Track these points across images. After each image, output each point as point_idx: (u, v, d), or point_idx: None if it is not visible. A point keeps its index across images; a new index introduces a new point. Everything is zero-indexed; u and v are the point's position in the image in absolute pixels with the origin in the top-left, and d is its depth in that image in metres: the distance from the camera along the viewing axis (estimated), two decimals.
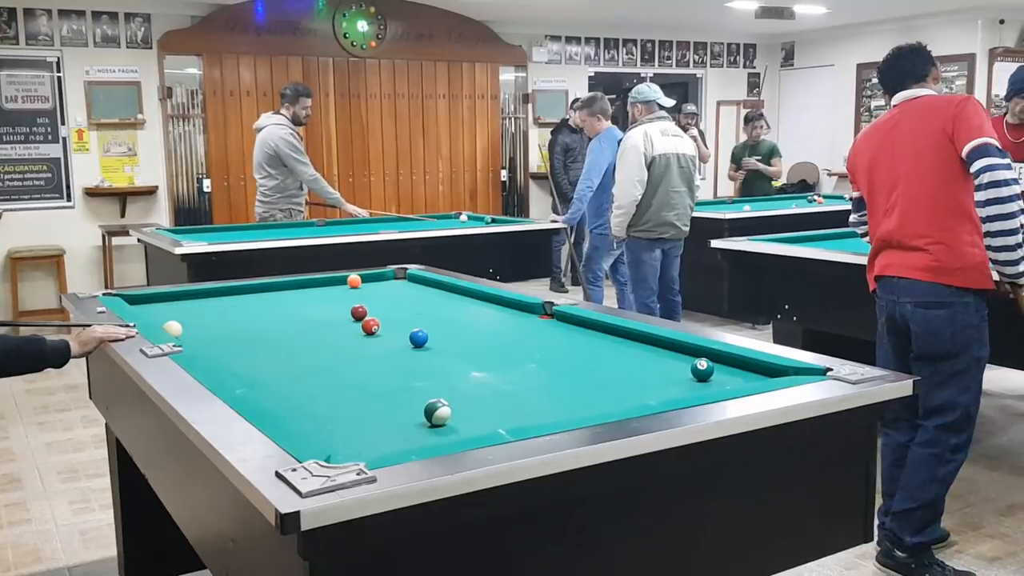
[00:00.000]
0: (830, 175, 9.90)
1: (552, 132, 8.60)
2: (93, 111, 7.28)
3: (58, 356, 2.15)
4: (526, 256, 5.53)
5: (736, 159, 8.08)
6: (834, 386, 1.78)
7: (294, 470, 1.32)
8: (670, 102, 5.22)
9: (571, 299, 2.81)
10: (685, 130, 7.92)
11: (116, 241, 7.28)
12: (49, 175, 7.28)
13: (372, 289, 3.29)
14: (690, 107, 8.89)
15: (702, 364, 1.93)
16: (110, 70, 7.32)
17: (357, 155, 8.23)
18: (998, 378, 5.10)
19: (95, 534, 3.38)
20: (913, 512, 2.90)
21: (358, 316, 2.57)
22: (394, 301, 3.10)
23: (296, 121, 5.80)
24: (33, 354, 2.10)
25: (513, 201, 9.17)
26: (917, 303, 2.87)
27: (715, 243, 4.52)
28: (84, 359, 2.47)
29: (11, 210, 7.10)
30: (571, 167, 8.32)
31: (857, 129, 9.68)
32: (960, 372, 2.87)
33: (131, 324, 2.35)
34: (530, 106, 9.15)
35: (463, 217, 6.01)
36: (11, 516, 3.56)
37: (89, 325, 2.34)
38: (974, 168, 2.78)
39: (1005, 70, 8.75)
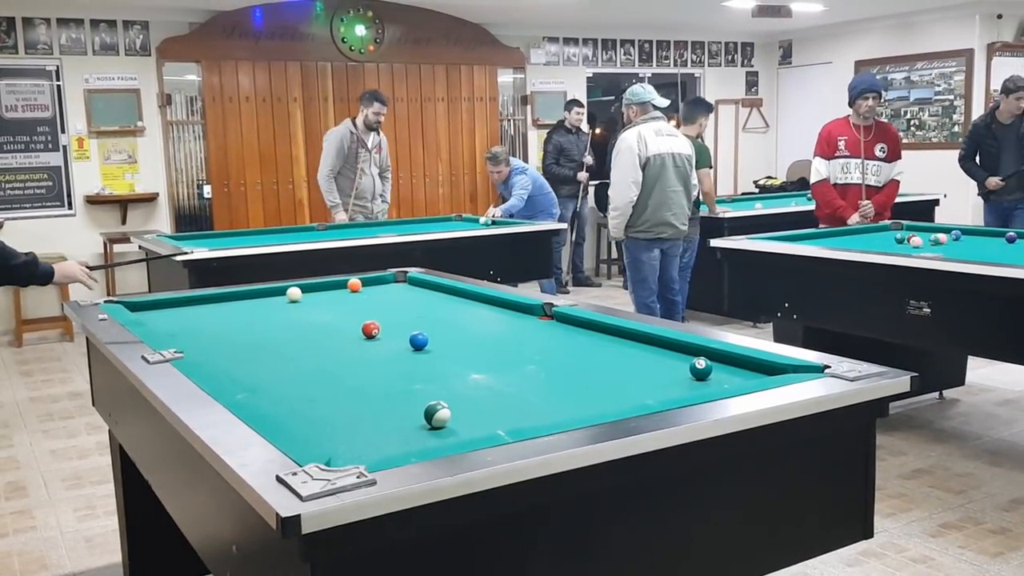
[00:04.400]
0: None
1: (548, 132, 8.64)
2: (93, 119, 7.30)
3: (45, 276, 2.62)
4: (526, 257, 5.54)
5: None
6: (832, 383, 1.79)
7: (295, 474, 1.33)
8: (665, 102, 5.23)
9: (571, 300, 2.82)
10: None
11: (118, 248, 7.30)
12: (50, 183, 7.30)
13: (372, 293, 3.30)
14: None
15: (700, 363, 1.94)
16: (109, 78, 7.35)
17: None
18: (999, 373, 5.10)
19: (100, 540, 3.39)
20: None
21: (368, 333, 2.51)
22: (394, 304, 3.11)
23: (367, 125, 6.28)
24: (31, 269, 2.58)
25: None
26: None
27: (715, 242, 4.53)
28: (88, 366, 2.73)
29: (12, 219, 7.12)
30: (565, 166, 8.35)
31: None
32: None
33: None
34: (529, 108, 9.16)
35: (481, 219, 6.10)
36: (16, 524, 3.58)
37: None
38: None
39: (1004, 65, 8.77)
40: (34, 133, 7.21)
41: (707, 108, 6.35)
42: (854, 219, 5.03)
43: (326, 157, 6.27)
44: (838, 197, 5.09)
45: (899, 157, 5.20)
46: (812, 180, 5.22)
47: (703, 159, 5.93)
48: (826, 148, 5.16)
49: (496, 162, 7.35)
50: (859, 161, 5.08)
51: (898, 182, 5.22)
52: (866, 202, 5.04)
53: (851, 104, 5.14)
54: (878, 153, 5.10)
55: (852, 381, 1.79)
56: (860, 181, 5.10)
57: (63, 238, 7.26)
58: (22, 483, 4.03)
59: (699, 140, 6.22)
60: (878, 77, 9.43)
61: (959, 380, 4.83)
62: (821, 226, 5.09)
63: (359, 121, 6.32)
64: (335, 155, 6.22)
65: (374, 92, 6.42)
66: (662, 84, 8.09)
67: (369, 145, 6.34)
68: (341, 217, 6.24)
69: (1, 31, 6.98)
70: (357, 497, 1.26)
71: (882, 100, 5.37)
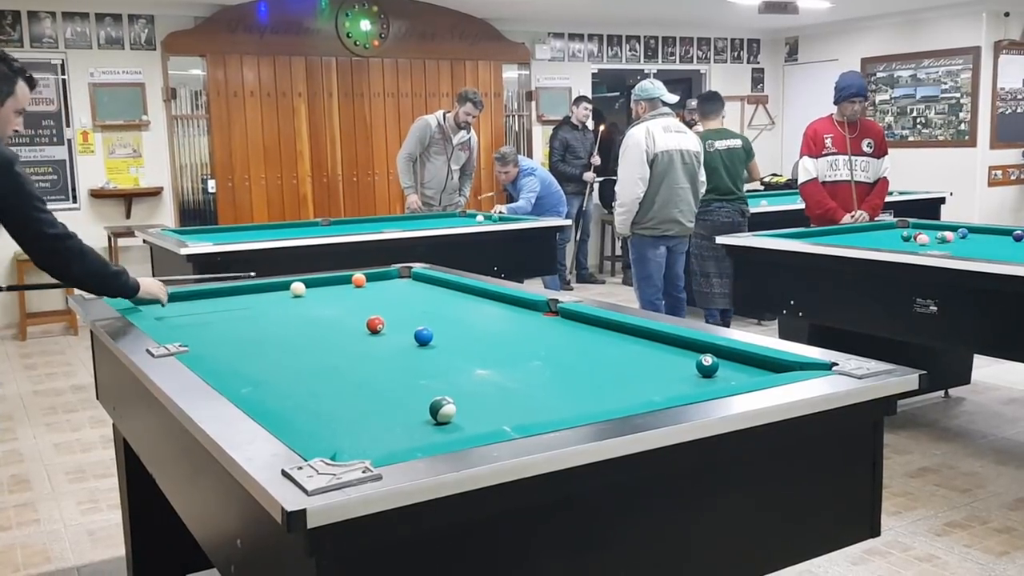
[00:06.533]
0: None
1: (554, 129, 8.62)
2: (98, 113, 7.31)
3: (130, 289, 2.63)
4: (530, 254, 5.53)
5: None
6: (840, 381, 1.78)
7: (300, 468, 1.32)
8: (674, 98, 5.21)
9: (576, 296, 2.81)
10: (690, 126, 7.92)
11: (122, 242, 7.30)
12: (55, 177, 7.31)
13: (377, 288, 3.30)
14: (694, 103, 8.85)
15: (707, 360, 1.93)
16: (114, 72, 7.35)
17: (361, 155, 8.24)
18: (1006, 371, 5.09)
19: (103, 534, 3.39)
20: None
21: (373, 328, 2.50)
22: (399, 300, 3.11)
23: (457, 123, 6.36)
24: (119, 280, 2.61)
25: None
26: None
27: (721, 239, 4.52)
28: (92, 359, 2.80)
29: None
30: (570, 163, 8.33)
31: None
32: None
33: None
34: (534, 104, 9.15)
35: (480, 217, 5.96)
36: (20, 517, 3.58)
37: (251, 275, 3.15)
38: None
39: (1010, 63, 8.75)
40: (39, 127, 7.21)
41: (722, 103, 6.35)
42: (846, 220, 5.00)
43: (407, 142, 6.45)
44: (828, 197, 5.05)
45: (886, 153, 5.18)
46: (800, 180, 5.19)
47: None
48: (812, 147, 5.13)
49: (504, 163, 7.32)
50: (847, 158, 5.06)
51: (887, 179, 5.20)
52: (860, 212, 5.02)
53: (836, 103, 5.13)
54: (865, 149, 5.08)
55: (860, 379, 1.77)
56: (849, 178, 5.08)
57: None
58: (26, 476, 4.03)
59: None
60: (884, 74, 9.43)
61: (965, 379, 4.82)
62: (812, 225, 5.06)
63: (450, 116, 6.40)
64: (415, 142, 6.38)
65: (468, 93, 6.42)
66: (668, 80, 8.07)
67: (455, 141, 6.41)
68: (411, 199, 6.40)
69: (6, 24, 6.98)
70: (363, 492, 1.26)
71: (867, 101, 5.37)
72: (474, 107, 6.36)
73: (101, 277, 2.56)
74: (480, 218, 5.85)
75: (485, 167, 8.70)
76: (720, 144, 5.93)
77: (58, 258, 2.49)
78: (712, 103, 6.22)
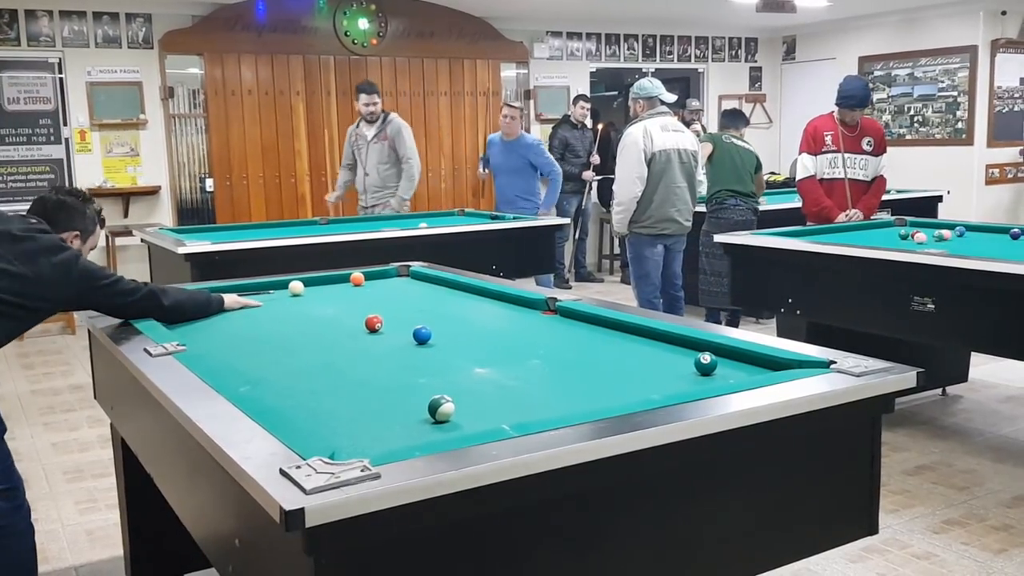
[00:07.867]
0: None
1: (553, 127, 8.61)
2: (95, 112, 7.30)
3: (218, 305, 2.75)
4: (529, 252, 5.52)
5: None
6: (838, 379, 1.78)
7: (298, 467, 1.32)
8: (672, 97, 5.20)
9: (574, 295, 2.81)
10: (688, 125, 7.93)
11: (119, 241, 7.29)
12: (52, 176, 7.30)
13: (375, 286, 3.29)
14: (694, 103, 8.87)
15: (705, 358, 1.93)
16: (112, 71, 7.34)
17: None
18: (1003, 369, 5.09)
19: (101, 534, 3.39)
20: None
21: (371, 327, 2.49)
22: (397, 298, 3.11)
23: (364, 118, 6.31)
24: (204, 301, 2.71)
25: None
26: None
27: (719, 237, 4.52)
28: (90, 359, 2.87)
29: (14, 212, 7.11)
30: (570, 162, 8.32)
31: None
32: None
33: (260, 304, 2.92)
34: (532, 102, 9.14)
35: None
36: None
37: (269, 292, 3.11)
38: None
39: (1007, 61, 8.76)
40: (36, 126, 7.20)
41: (745, 121, 6.40)
42: (840, 219, 5.00)
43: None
44: (825, 196, 5.05)
45: (885, 151, 5.18)
46: (799, 177, 5.18)
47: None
48: (812, 144, 5.11)
49: (512, 110, 7.04)
50: (846, 156, 5.07)
51: (885, 178, 5.19)
52: (854, 211, 5.02)
53: (837, 105, 5.12)
54: (865, 147, 5.07)
55: (858, 376, 1.78)
56: (845, 176, 5.07)
57: None
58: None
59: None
60: (882, 73, 9.43)
61: (962, 376, 4.82)
62: (808, 223, 5.06)
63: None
64: (345, 149, 6.53)
65: (360, 83, 6.46)
66: (666, 79, 8.07)
67: (369, 137, 6.26)
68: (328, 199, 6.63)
69: (3, 23, 6.97)
70: (361, 491, 1.26)
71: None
72: (365, 95, 6.19)
73: (191, 300, 2.67)
74: (423, 225, 5.37)
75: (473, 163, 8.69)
76: (737, 140, 5.95)
77: (148, 311, 2.56)
78: (735, 118, 6.24)
